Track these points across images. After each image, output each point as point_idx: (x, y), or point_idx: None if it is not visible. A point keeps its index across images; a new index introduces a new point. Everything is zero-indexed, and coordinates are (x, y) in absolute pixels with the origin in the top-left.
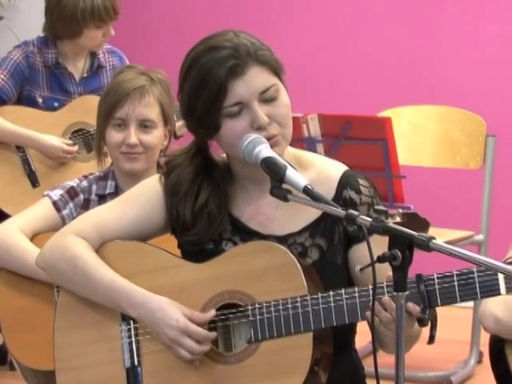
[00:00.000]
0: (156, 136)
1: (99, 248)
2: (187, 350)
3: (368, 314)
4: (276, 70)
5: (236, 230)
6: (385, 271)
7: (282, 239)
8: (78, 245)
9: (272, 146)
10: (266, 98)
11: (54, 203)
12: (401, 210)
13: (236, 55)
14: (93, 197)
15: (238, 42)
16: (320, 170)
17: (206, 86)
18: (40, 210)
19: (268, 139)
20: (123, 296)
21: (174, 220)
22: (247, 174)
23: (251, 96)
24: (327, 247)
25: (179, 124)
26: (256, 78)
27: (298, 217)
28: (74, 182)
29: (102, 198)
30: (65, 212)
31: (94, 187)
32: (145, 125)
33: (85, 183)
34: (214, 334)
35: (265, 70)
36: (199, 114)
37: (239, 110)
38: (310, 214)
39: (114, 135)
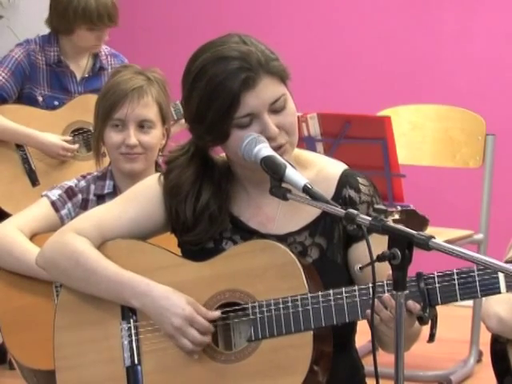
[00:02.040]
0: (155, 136)
1: (99, 247)
2: (190, 339)
3: (368, 312)
4: (284, 79)
5: (236, 228)
6: (385, 270)
7: (281, 238)
8: (78, 241)
9: (281, 155)
10: (276, 108)
11: (53, 203)
12: (399, 207)
13: (247, 67)
14: (91, 197)
15: (246, 52)
16: (319, 169)
17: (217, 97)
18: (38, 210)
19: (277, 148)
20: (127, 286)
21: (173, 220)
22: (247, 176)
23: (262, 107)
24: (327, 246)
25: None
26: (267, 90)
27: (298, 216)
28: (72, 182)
29: (101, 198)
30: (63, 212)
31: (93, 187)
32: (144, 125)
33: (83, 183)
34: (213, 328)
35: (274, 80)
36: (209, 123)
37: (250, 121)
38: (309, 213)
39: (113, 136)
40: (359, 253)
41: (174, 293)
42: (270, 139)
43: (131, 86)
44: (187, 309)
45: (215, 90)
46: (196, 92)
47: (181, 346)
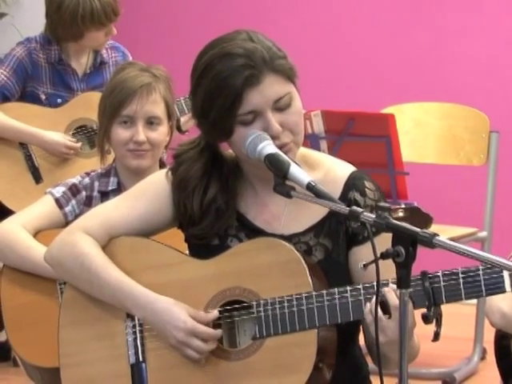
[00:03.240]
0: (162, 133)
1: (106, 244)
2: (195, 350)
3: (367, 311)
4: (290, 77)
5: (242, 226)
6: (387, 271)
7: (286, 239)
8: (85, 243)
9: (285, 154)
10: (280, 106)
11: (57, 200)
12: (403, 205)
13: (251, 64)
14: (95, 194)
15: (252, 49)
16: (327, 170)
17: (221, 94)
18: (42, 208)
19: (281, 147)
20: (129, 297)
21: (181, 214)
22: (254, 173)
23: (265, 105)
24: (332, 247)
25: (185, 119)
26: (271, 87)
27: (304, 216)
28: (76, 179)
29: (105, 195)
30: (67, 209)
31: (96, 184)
32: (152, 122)
33: (87, 180)
34: (219, 333)
35: (280, 78)
36: (213, 120)
37: (253, 119)
38: (315, 213)
39: (120, 133)
40: (360, 255)
41: (174, 305)
42: (273, 137)
43: (139, 82)
44: (188, 322)
45: (219, 87)
46: (201, 88)
47: (187, 357)
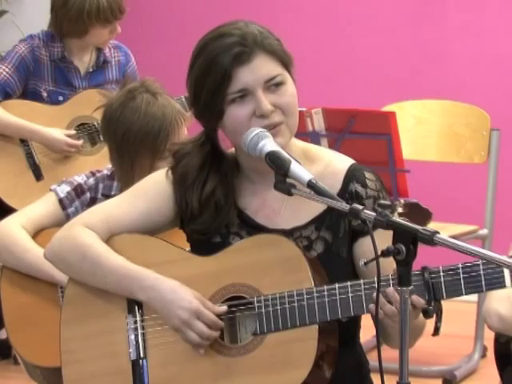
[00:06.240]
0: None
1: (106, 241)
2: (197, 332)
3: (372, 306)
4: (283, 61)
5: (243, 223)
6: (390, 265)
7: (288, 233)
8: (86, 235)
9: (275, 135)
10: (271, 86)
11: (60, 201)
12: (402, 201)
13: (243, 42)
14: (99, 196)
15: (246, 31)
16: (327, 164)
17: (211, 73)
18: (45, 207)
19: (271, 127)
20: (134, 280)
21: (182, 210)
22: (253, 167)
23: (256, 84)
24: (332, 240)
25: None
26: (262, 66)
27: (304, 210)
28: (81, 179)
29: (108, 198)
30: (70, 210)
31: (101, 186)
32: None
33: (92, 181)
34: (222, 323)
35: (271, 59)
36: (204, 101)
37: (243, 97)
38: (315, 206)
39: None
40: (365, 247)
41: (180, 287)
42: (263, 117)
43: (170, 115)
44: (194, 302)
45: (209, 66)
46: (194, 70)
47: (188, 340)
